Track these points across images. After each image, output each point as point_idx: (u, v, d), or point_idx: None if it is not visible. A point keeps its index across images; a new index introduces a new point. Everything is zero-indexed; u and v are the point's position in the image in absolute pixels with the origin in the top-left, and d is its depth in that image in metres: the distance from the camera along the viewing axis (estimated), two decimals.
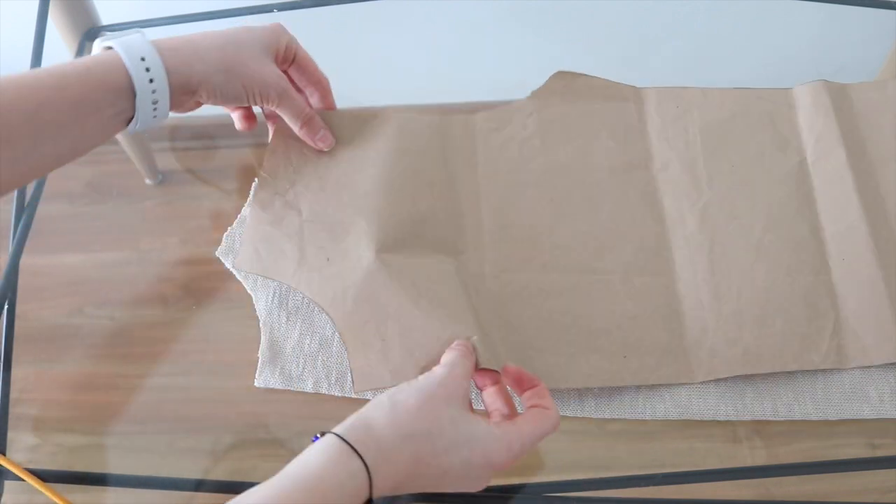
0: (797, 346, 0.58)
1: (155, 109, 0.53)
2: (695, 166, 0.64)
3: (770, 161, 0.64)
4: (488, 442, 0.46)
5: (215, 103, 0.58)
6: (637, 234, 0.61)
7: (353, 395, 0.58)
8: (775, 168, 0.64)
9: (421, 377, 0.48)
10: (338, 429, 0.44)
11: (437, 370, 0.48)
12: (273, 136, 0.65)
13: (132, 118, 0.53)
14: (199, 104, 0.58)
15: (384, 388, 0.54)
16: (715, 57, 0.90)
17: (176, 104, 0.55)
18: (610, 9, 0.88)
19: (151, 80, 0.52)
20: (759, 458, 0.57)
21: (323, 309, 0.58)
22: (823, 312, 0.59)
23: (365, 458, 0.42)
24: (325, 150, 0.63)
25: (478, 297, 0.58)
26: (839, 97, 0.66)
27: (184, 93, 0.55)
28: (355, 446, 0.42)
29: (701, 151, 0.64)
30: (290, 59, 0.61)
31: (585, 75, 0.68)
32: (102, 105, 0.51)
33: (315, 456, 0.42)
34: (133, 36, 0.53)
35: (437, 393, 0.46)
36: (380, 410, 0.45)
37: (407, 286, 0.56)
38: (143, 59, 0.52)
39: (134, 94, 0.52)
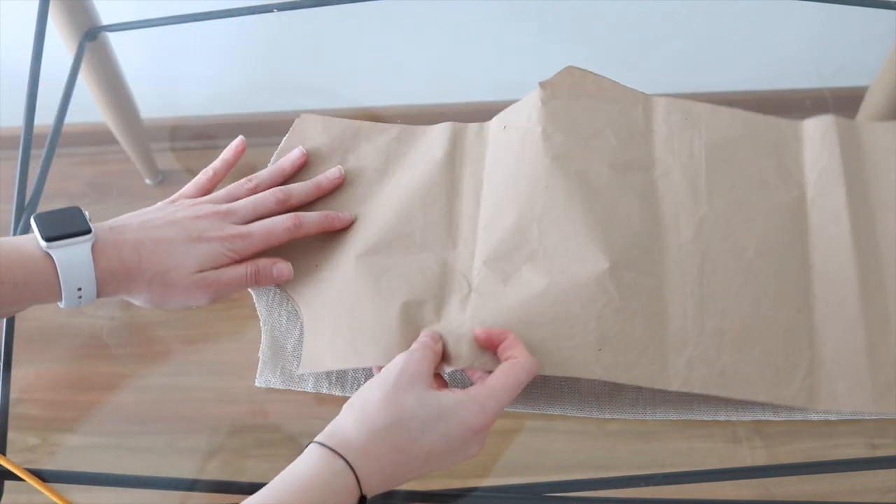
0: (771, 378, 0.57)
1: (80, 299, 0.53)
2: (696, 179, 0.63)
3: (770, 189, 0.63)
4: (460, 410, 0.47)
5: None
6: (631, 230, 0.61)
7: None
8: (774, 197, 0.63)
9: (383, 370, 0.49)
10: (317, 438, 0.46)
11: (396, 359, 0.50)
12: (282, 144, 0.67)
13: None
14: None
15: (325, 370, 0.57)
16: (715, 57, 0.90)
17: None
18: (610, 9, 0.88)
19: (80, 298, 0.52)
20: (759, 458, 0.57)
21: (297, 306, 0.60)
22: (800, 350, 0.58)
23: (346, 457, 0.44)
24: (286, 279, 0.60)
25: (467, 289, 0.59)
26: (848, 135, 0.65)
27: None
28: (335, 448, 0.45)
29: (704, 166, 0.64)
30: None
31: (595, 74, 0.67)
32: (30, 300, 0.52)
33: (300, 463, 0.45)
34: (77, 260, 0.52)
35: (399, 380, 0.48)
36: (350, 414, 0.47)
37: (370, 284, 0.58)
38: (79, 290, 0.52)
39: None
